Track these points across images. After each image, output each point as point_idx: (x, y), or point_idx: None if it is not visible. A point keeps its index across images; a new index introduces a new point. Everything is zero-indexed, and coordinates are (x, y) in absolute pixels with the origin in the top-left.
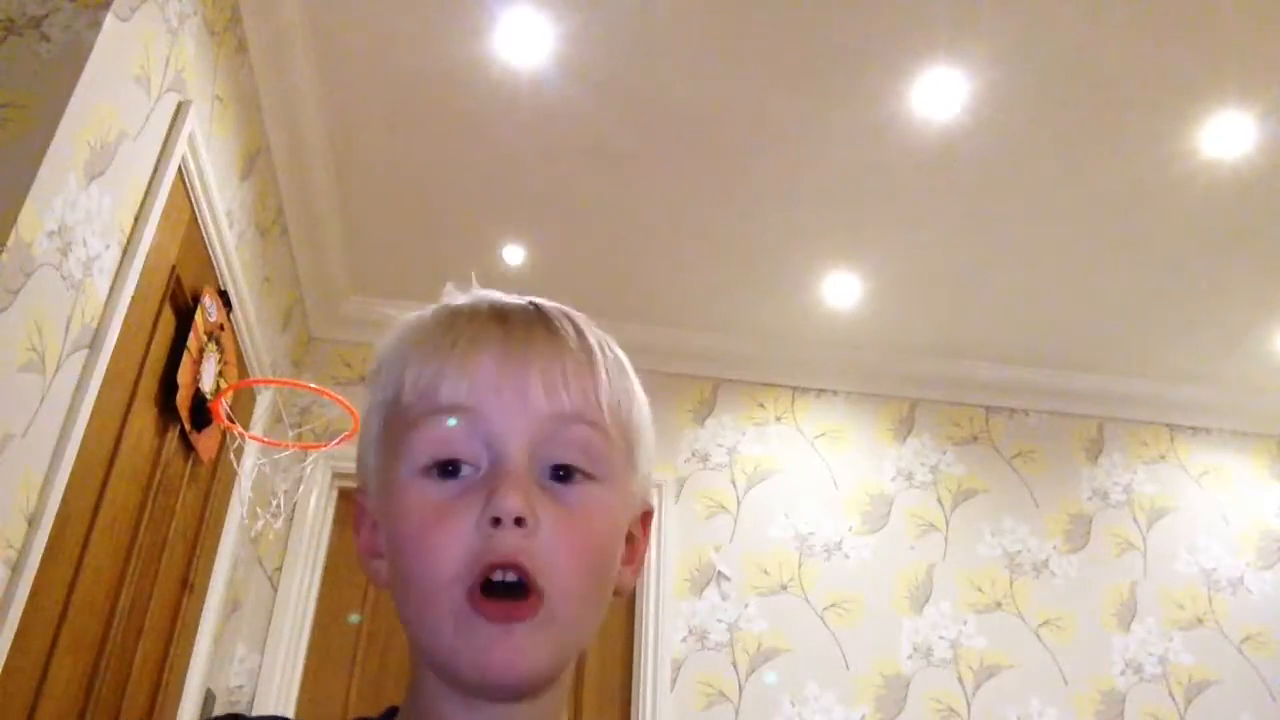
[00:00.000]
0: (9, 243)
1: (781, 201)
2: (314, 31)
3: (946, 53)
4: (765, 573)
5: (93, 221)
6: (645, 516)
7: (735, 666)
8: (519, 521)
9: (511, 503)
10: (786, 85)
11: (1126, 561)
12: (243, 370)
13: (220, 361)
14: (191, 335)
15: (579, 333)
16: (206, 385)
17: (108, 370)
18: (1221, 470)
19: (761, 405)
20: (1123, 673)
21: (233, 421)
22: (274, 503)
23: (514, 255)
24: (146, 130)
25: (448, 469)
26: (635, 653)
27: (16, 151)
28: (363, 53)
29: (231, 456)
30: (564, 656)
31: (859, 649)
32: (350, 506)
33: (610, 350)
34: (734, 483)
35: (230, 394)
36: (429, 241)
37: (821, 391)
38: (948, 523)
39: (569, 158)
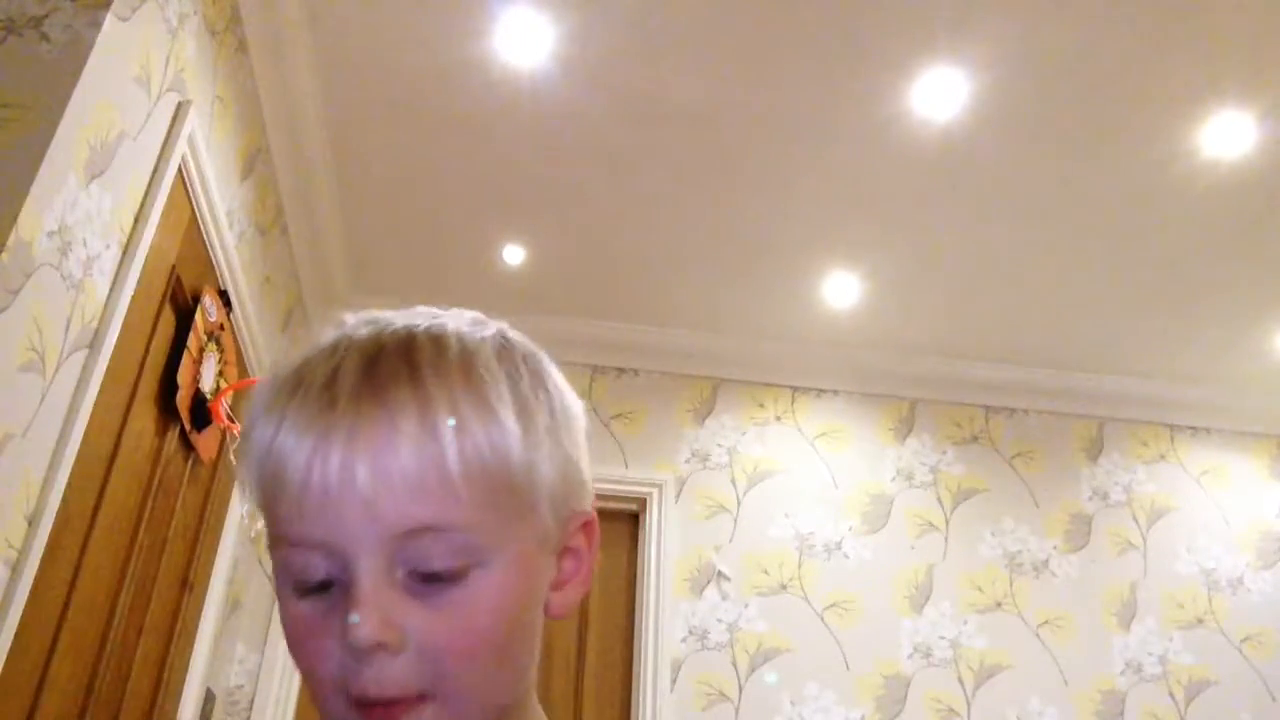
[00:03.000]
0: (9, 243)
1: (781, 201)
2: (314, 31)
3: (946, 53)
4: (765, 573)
5: (93, 221)
6: (587, 525)
7: (735, 666)
8: (376, 648)
9: (363, 633)
10: (786, 85)
11: (1126, 561)
12: (243, 370)
13: (220, 361)
14: (191, 335)
15: (420, 400)
16: (206, 385)
17: (108, 370)
18: (1221, 470)
19: (761, 405)
20: (1123, 673)
21: (233, 421)
22: None
23: (514, 255)
24: (146, 130)
25: (314, 587)
26: (635, 653)
27: (16, 151)
28: (363, 53)
29: (231, 456)
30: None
31: (859, 649)
32: None
33: (465, 400)
34: (734, 483)
35: (230, 394)
36: (429, 241)
37: (821, 391)
38: (948, 523)
39: (569, 158)
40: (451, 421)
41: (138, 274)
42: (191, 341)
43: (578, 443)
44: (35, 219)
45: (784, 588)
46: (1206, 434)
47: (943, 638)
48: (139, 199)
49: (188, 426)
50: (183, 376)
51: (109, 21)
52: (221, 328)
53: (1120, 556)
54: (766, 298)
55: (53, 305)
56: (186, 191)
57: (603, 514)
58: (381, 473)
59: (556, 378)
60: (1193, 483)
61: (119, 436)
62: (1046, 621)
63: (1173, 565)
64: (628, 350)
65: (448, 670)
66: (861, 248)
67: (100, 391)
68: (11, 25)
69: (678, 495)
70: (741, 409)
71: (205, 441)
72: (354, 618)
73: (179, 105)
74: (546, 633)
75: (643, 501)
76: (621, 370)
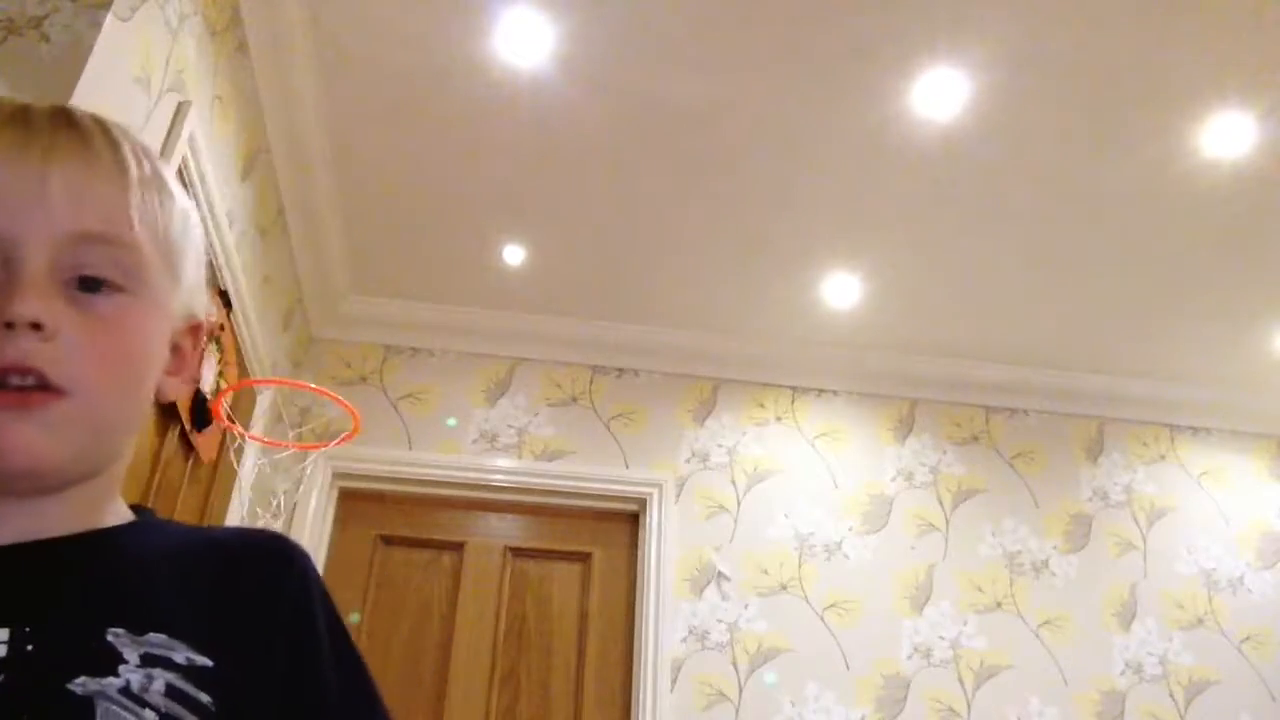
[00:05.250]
0: None
1: (781, 201)
2: (314, 31)
3: (947, 53)
4: (765, 573)
5: None
6: (194, 329)
7: (735, 666)
8: (36, 327)
9: (26, 307)
10: (787, 85)
11: (1126, 561)
12: (243, 370)
13: (220, 361)
14: None
15: (111, 142)
16: (207, 385)
17: None
18: (1221, 470)
19: (761, 405)
20: (1123, 673)
21: (233, 421)
22: (274, 503)
23: (514, 255)
24: (147, 130)
25: None
26: (635, 653)
27: None
28: (363, 53)
29: (231, 456)
30: (90, 454)
31: (859, 649)
32: (348, 504)
33: (146, 161)
34: (734, 483)
35: (230, 394)
36: (429, 241)
37: (821, 391)
38: (948, 523)
39: (569, 157)
40: (147, 168)
41: None
42: None
43: (203, 257)
44: None
45: (784, 588)
46: (1206, 434)
47: (943, 638)
48: None
49: (188, 426)
50: None
51: (109, 21)
52: (221, 328)
53: (1120, 557)
54: (767, 298)
55: None
56: (186, 191)
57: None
58: (73, 180)
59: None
60: (1193, 483)
61: None
62: (1046, 621)
63: (1173, 565)
64: (628, 350)
65: (86, 372)
66: (861, 248)
67: None
68: (11, 25)
69: (678, 495)
70: (741, 409)
71: (205, 441)
72: (20, 295)
73: (179, 105)
74: (548, 632)
75: (643, 501)
76: (621, 370)
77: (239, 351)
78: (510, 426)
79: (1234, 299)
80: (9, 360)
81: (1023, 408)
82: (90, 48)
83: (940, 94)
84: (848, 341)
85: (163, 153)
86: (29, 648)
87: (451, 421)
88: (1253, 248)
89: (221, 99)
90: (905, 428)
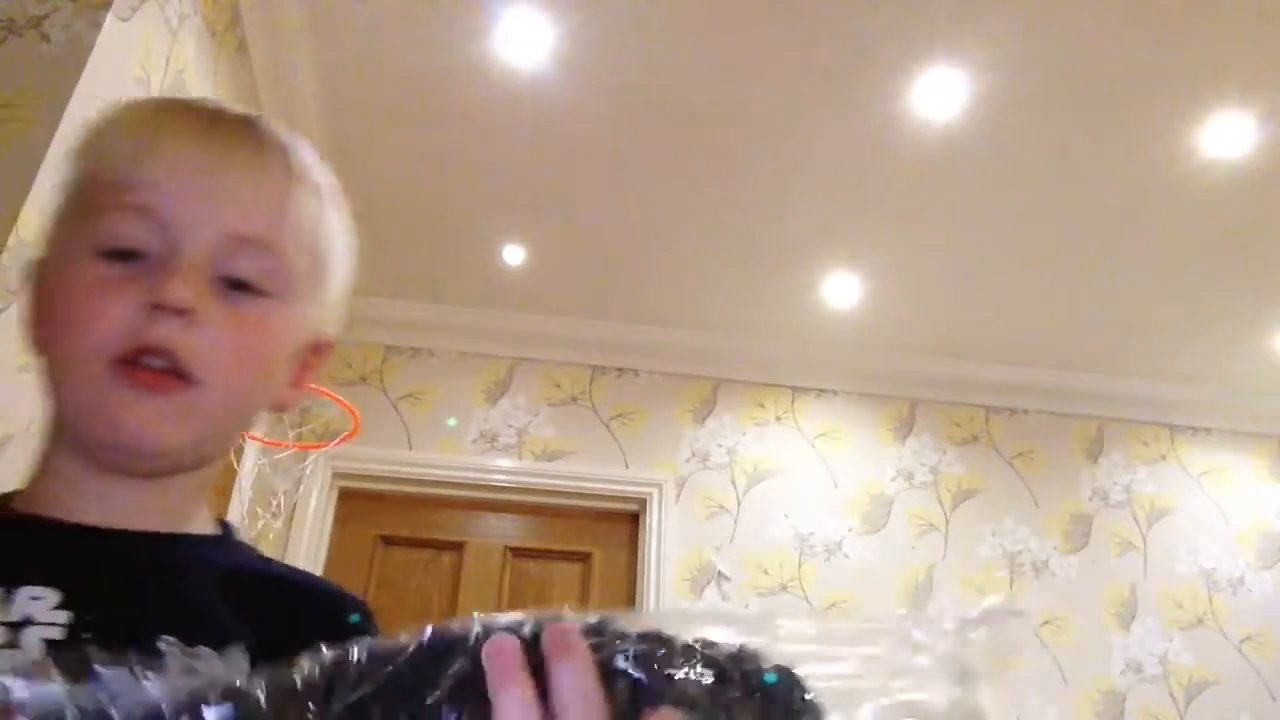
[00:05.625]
0: (9, 243)
1: (781, 201)
2: (314, 32)
3: (947, 53)
4: (765, 573)
5: None
6: (321, 347)
7: None
8: (183, 313)
9: (177, 292)
10: (787, 85)
11: (1126, 561)
12: None
13: None
14: None
15: (286, 156)
16: None
17: None
18: (1221, 470)
19: (761, 405)
20: (1123, 673)
21: None
22: (274, 503)
23: (514, 255)
24: None
25: (123, 255)
26: None
27: (16, 151)
28: (363, 53)
29: (231, 456)
30: (203, 445)
31: None
32: (348, 504)
33: (315, 177)
34: (734, 483)
35: None
36: (429, 241)
37: (821, 391)
38: (948, 523)
39: (569, 158)
40: (314, 182)
41: None
42: None
43: (349, 274)
44: (35, 219)
45: (784, 588)
46: (1206, 434)
47: None
48: None
49: None
50: None
51: (109, 21)
52: None
53: (1120, 557)
54: (766, 298)
55: None
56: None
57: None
58: (248, 183)
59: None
60: (1193, 483)
61: None
62: (1046, 621)
63: (1173, 565)
64: (628, 350)
65: (221, 366)
66: (861, 248)
67: None
68: (11, 25)
69: (678, 495)
70: (741, 409)
71: None
72: (174, 279)
73: None
74: None
75: (643, 502)
76: (621, 370)
77: None
78: (510, 426)
79: (1234, 299)
80: (150, 341)
81: (1023, 408)
82: (90, 48)
83: (940, 94)
84: (848, 341)
85: None
86: (84, 635)
87: (452, 421)
88: (1253, 248)
89: (221, 99)
90: (905, 428)
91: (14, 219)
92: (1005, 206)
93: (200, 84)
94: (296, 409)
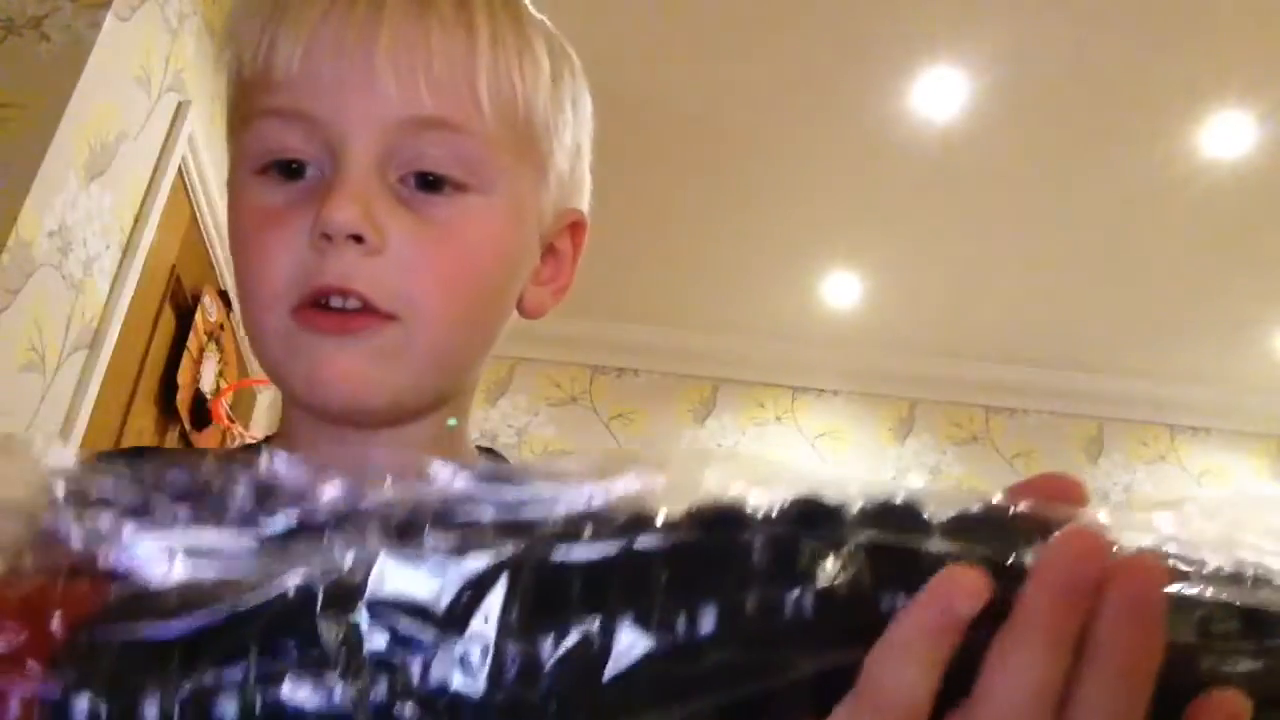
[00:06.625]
0: (9, 243)
1: (781, 201)
2: None
3: (946, 53)
4: None
5: (93, 221)
6: (574, 226)
7: None
8: (357, 239)
9: (343, 216)
10: (787, 85)
11: None
12: (243, 370)
13: (220, 361)
14: (191, 335)
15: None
16: (206, 385)
17: (108, 370)
18: (1221, 470)
19: (761, 405)
20: None
21: (233, 421)
22: None
23: None
24: (146, 130)
25: (291, 167)
26: None
27: (16, 151)
28: None
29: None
30: (428, 385)
31: None
32: None
33: (504, 19)
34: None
35: (230, 394)
36: None
37: (821, 391)
38: None
39: None
40: (503, 20)
41: (138, 274)
42: (191, 342)
43: (588, 137)
44: (35, 219)
45: None
46: (1206, 434)
47: None
48: (139, 199)
49: (188, 427)
50: (183, 377)
51: (109, 21)
52: (221, 328)
53: None
54: (766, 298)
55: (53, 305)
56: (186, 192)
57: None
58: (404, 47)
59: (580, 73)
60: (1193, 483)
61: (119, 436)
62: None
63: None
64: (628, 350)
65: (422, 291)
66: (861, 247)
67: (100, 391)
68: (11, 25)
69: None
70: (741, 409)
71: (205, 442)
72: (335, 200)
73: (179, 105)
74: None
75: None
76: (621, 370)
77: (239, 352)
78: (510, 426)
79: (1234, 299)
80: (327, 280)
81: (1023, 408)
82: (90, 48)
83: (940, 94)
84: (847, 341)
85: (162, 153)
86: None
87: (451, 422)
88: (1253, 248)
89: (221, 99)
90: (905, 428)
91: (14, 219)
92: (1005, 206)
93: (200, 83)
94: (552, 308)
